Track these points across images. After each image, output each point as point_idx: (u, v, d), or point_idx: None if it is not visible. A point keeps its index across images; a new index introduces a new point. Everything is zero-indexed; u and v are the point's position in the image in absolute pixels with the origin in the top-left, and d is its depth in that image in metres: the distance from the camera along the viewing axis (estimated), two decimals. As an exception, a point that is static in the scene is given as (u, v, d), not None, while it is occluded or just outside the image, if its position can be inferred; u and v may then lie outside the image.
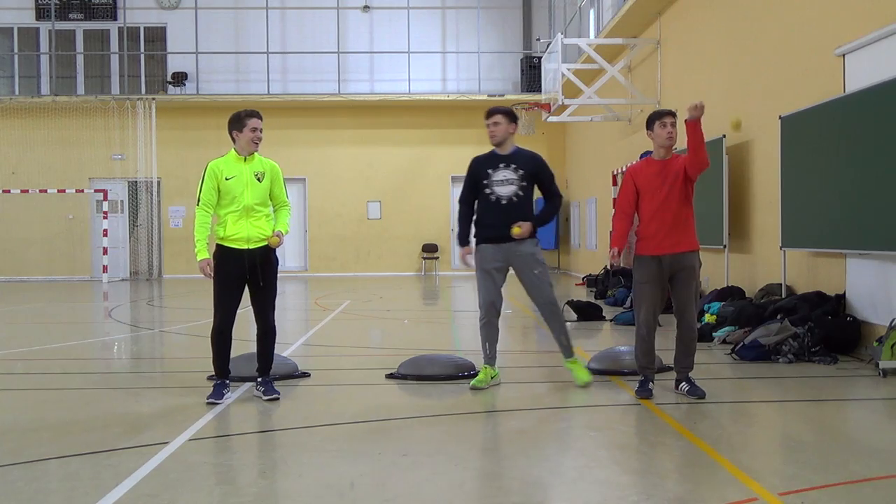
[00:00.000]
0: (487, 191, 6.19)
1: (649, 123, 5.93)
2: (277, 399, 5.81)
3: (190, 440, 4.75)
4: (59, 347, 9.08)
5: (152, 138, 21.58)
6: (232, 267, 5.78)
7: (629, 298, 12.11)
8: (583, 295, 14.66)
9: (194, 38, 22.38)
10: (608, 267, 15.92)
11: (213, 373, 6.00)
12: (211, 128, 22.08)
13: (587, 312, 10.87)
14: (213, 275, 5.79)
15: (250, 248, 5.79)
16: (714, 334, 8.52)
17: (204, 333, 9.45)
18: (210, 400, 5.67)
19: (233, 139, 5.87)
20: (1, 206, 21.78)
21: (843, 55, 7.88)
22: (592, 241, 19.79)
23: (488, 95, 21.99)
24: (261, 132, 5.82)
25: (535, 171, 6.25)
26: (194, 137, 21.90)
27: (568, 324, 10.42)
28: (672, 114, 5.88)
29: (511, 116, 6.33)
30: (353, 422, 5.19)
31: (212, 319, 5.90)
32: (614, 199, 17.04)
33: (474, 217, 6.37)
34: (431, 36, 23.30)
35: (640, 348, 5.90)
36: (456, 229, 6.52)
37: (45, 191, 20.87)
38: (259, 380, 5.96)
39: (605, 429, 4.97)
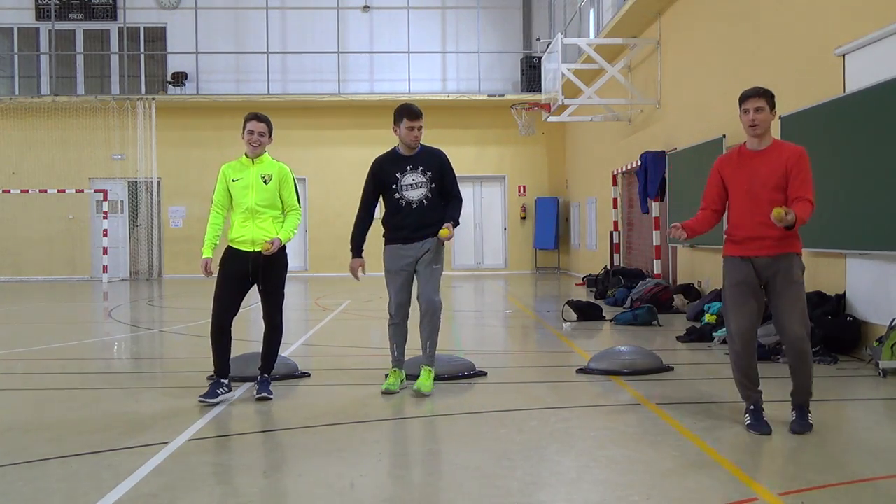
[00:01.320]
0: (397, 195, 6.08)
1: (740, 103, 5.02)
2: (268, 399, 5.81)
3: (190, 440, 4.75)
4: (59, 347, 9.08)
5: (152, 138, 21.59)
6: (234, 267, 5.82)
7: (629, 299, 12.11)
8: (583, 295, 14.66)
9: (194, 38, 22.38)
10: (607, 267, 15.92)
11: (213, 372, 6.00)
12: (211, 128, 22.11)
13: (587, 312, 10.87)
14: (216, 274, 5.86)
15: (255, 250, 5.80)
16: (714, 334, 8.53)
17: (204, 333, 9.43)
18: (202, 399, 5.64)
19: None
20: (1, 206, 21.79)
21: (843, 55, 7.88)
22: (592, 241, 19.78)
23: (488, 95, 21.99)
24: (259, 135, 5.83)
25: (440, 170, 6.09)
26: (194, 137, 21.91)
27: (567, 324, 10.52)
28: (759, 94, 4.90)
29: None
30: (353, 422, 5.19)
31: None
32: (615, 199, 17.08)
33: (374, 221, 6.22)
34: (431, 36, 23.30)
35: (736, 366, 4.99)
36: (352, 236, 6.29)
37: (45, 191, 20.87)
38: (258, 377, 5.98)
39: (605, 429, 4.97)
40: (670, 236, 5.26)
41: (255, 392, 5.87)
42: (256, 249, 5.79)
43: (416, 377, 6.13)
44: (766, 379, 6.58)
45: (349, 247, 6.28)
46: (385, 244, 6.24)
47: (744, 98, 4.95)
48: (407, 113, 6.05)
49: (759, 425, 4.85)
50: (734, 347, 4.96)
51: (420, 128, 6.06)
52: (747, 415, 4.98)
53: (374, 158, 6.41)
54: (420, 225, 6.07)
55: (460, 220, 6.23)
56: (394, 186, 6.09)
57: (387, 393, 6.02)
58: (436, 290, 6.08)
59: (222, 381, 5.83)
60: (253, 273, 5.82)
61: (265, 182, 5.85)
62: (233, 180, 5.88)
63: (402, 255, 6.12)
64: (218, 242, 5.90)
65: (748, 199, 4.91)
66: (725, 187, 5.05)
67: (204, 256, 5.82)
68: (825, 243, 8.10)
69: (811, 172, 4.89)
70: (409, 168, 6.07)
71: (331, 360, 8.01)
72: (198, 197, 21.87)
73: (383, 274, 6.29)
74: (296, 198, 5.99)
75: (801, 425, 4.86)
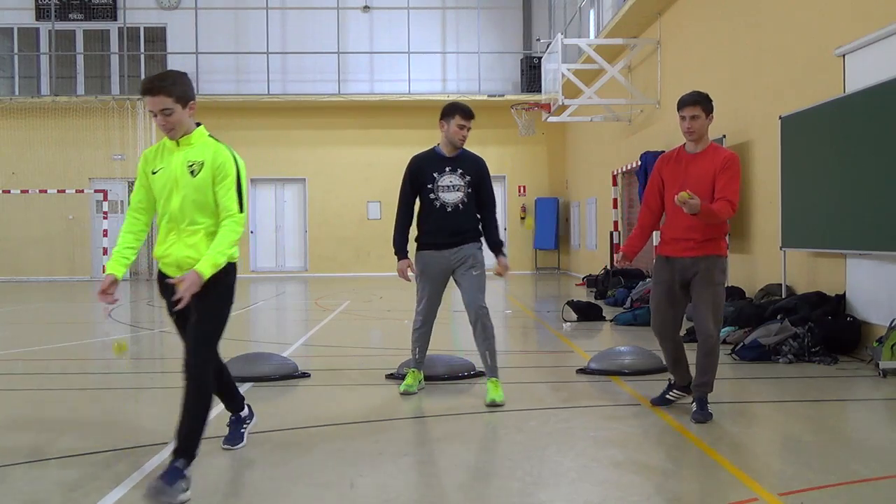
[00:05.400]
0: (432, 196, 5.80)
1: (678, 109, 5.25)
2: (234, 449, 4.52)
3: (190, 440, 4.74)
4: (59, 347, 9.08)
5: (152, 138, 21.57)
6: (167, 297, 4.06)
7: (629, 299, 12.12)
8: (583, 295, 14.66)
9: (194, 38, 22.39)
10: (607, 267, 15.93)
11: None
12: (211, 128, 21.83)
13: (587, 313, 10.87)
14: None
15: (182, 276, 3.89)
16: (714, 334, 8.51)
17: (204, 333, 9.38)
18: (226, 446, 4.50)
19: None
20: (1, 206, 21.79)
21: (843, 55, 7.88)
22: (592, 242, 19.79)
23: (488, 95, 22.00)
24: (163, 115, 3.95)
25: (479, 177, 5.89)
26: (194, 137, 21.88)
27: (567, 324, 10.52)
28: (694, 103, 5.10)
29: None
30: (353, 422, 5.19)
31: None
32: (615, 200, 17.08)
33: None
34: (431, 36, 23.31)
35: (663, 354, 5.57)
36: (395, 238, 5.89)
37: (45, 191, 20.88)
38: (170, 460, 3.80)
39: (605, 429, 4.97)
40: (619, 265, 5.77)
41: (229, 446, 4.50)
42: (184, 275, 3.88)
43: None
44: (765, 379, 6.60)
45: (392, 249, 5.95)
46: (417, 249, 5.93)
47: (680, 105, 5.16)
48: (461, 111, 5.83)
49: (658, 397, 5.52)
50: (657, 338, 5.44)
51: (469, 129, 5.84)
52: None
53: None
54: (454, 231, 5.81)
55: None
56: (430, 186, 5.81)
57: (406, 394, 5.96)
58: (481, 297, 5.81)
59: (240, 415, 4.62)
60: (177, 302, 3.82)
61: (192, 173, 3.99)
62: (153, 171, 4.07)
63: (435, 261, 5.85)
64: (133, 257, 4.14)
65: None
66: (664, 187, 5.29)
67: (108, 273, 4.04)
68: (825, 243, 8.10)
69: (739, 177, 5.16)
70: (447, 169, 5.82)
71: (331, 360, 8.00)
72: (198, 197, 21.88)
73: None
74: (235, 199, 3.97)
75: (702, 415, 5.06)
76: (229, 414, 4.63)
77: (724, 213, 5.02)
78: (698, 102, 5.10)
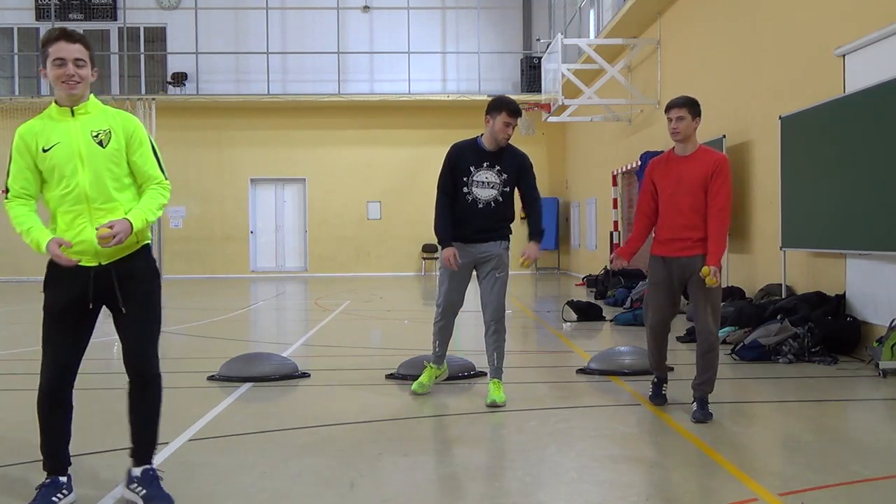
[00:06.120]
0: (465, 189, 5.65)
1: (665, 112, 5.42)
2: None
3: (190, 440, 4.75)
4: (59, 347, 9.06)
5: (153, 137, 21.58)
6: (66, 290, 3.51)
7: (629, 299, 12.12)
8: (583, 295, 14.66)
9: (194, 38, 22.39)
10: (607, 267, 15.94)
11: (214, 375, 5.93)
12: (211, 128, 22.13)
13: (587, 313, 10.87)
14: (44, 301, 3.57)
15: (102, 263, 3.51)
16: (714, 334, 8.52)
17: (204, 333, 9.45)
18: None
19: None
20: (1, 206, 21.76)
21: (843, 55, 7.89)
22: (592, 242, 19.79)
23: (488, 95, 21.97)
24: (76, 64, 3.47)
25: (518, 174, 5.77)
26: (194, 138, 21.90)
27: (567, 324, 10.52)
28: (680, 105, 5.26)
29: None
30: (353, 422, 5.19)
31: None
32: (615, 200, 17.08)
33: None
34: (431, 36, 23.31)
35: (650, 349, 5.59)
36: (437, 225, 5.73)
37: (45, 191, 20.87)
38: (133, 470, 3.66)
39: (605, 429, 4.97)
40: (612, 267, 5.58)
41: (138, 499, 3.58)
42: (103, 262, 3.51)
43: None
44: (765, 379, 6.61)
45: (437, 239, 5.79)
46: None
47: (667, 107, 5.35)
48: (507, 108, 5.61)
49: (655, 397, 5.57)
50: (648, 336, 5.54)
51: (515, 126, 5.67)
52: (651, 386, 5.65)
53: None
54: (483, 227, 5.71)
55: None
56: (465, 179, 5.65)
57: (416, 394, 5.92)
58: (502, 300, 5.74)
59: (59, 479, 3.60)
60: (96, 296, 3.51)
61: (101, 144, 3.52)
62: (44, 149, 3.50)
63: (461, 254, 5.69)
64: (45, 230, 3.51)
65: (672, 202, 5.29)
66: (656, 191, 5.41)
67: (46, 242, 3.42)
68: (825, 243, 8.10)
69: (730, 180, 5.24)
70: (485, 164, 5.66)
71: (331, 360, 8.00)
72: (197, 197, 21.89)
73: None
74: (157, 166, 3.65)
75: (703, 414, 5.10)
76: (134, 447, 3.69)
77: (725, 226, 5.20)
78: (684, 105, 5.29)
